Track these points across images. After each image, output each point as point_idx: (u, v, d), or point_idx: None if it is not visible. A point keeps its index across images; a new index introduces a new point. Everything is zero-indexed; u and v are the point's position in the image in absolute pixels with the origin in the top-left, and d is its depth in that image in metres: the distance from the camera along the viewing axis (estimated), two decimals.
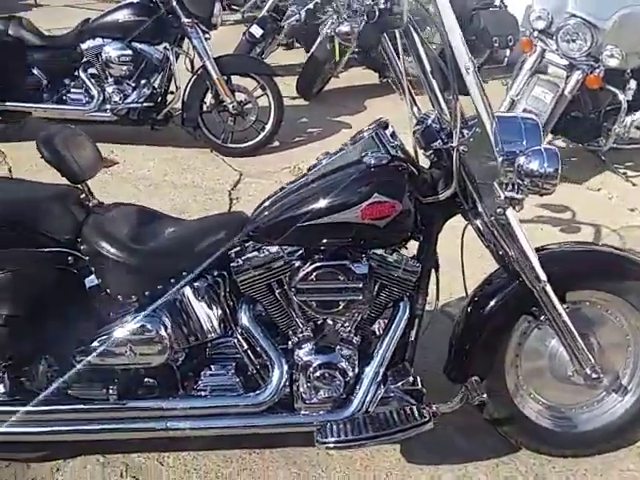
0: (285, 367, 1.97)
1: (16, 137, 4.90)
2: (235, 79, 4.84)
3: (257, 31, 6.28)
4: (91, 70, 4.73)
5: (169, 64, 4.74)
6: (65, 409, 1.96)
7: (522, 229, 1.95)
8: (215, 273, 1.98)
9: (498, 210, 1.86)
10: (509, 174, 1.81)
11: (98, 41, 4.69)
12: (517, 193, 1.84)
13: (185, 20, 4.58)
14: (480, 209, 1.89)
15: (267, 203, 1.98)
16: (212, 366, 2.02)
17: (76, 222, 1.96)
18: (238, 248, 1.97)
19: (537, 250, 2.00)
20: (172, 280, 1.92)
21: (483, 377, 2.07)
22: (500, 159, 1.78)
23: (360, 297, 1.90)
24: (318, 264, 1.90)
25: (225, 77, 4.69)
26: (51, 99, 4.75)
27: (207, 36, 4.75)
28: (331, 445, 1.92)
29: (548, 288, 1.96)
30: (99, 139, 4.74)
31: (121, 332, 1.90)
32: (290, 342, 2.00)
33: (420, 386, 2.02)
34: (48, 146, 2.05)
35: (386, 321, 2.02)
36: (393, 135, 1.97)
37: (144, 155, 4.84)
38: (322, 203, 1.86)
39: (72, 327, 1.92)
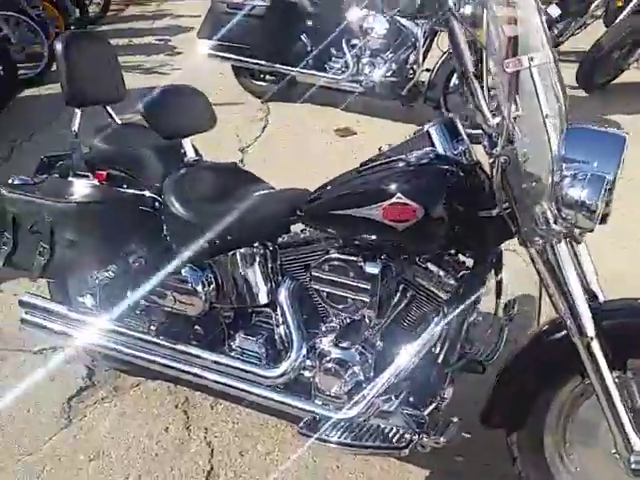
0: (303, 350, 1.95)
1: (285, 97, 5.43)
2: None
3: (554, 11, 5.87)
4: (353, 41, 4.96)
5: (426, 41, 4.74)
6: (106, 327, 2.22)
7: (576, 268, 1.64)
8: (268, 245, 2.04)
9: (537, 241, 1.59)
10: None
11: (363, 12, 4.88)
12: (555, 224, 1.55)
13: None
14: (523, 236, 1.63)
15: (322, 187, 1.96)
16: (247, 331, 2.09)
17: (165, 173, 2.17)
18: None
19: (593, 299, 1.67)
20: (227, 243, 2.03)
21: (513, 430, 1.82)
22: (551, 180, 1.52)
23: (367, 299, 1.79)
24: (333, 255, 1.84)
25: None
26: (314, 65, 5.11)
27: None
28: (308, 438, 1.88)
29: (595, 345, 1.62)
30: (350, 108, 5.17)
31: (170, 278, 2.09)
32: (318, 328, 1.99)
33: (426, 413, 1.84)
34: (147, 103, 2.25)
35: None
36: (456, 134, 1.79)
37: (383, 129, 4.95)
38: (354, 195, 1.79)
39: (137, 263, 2.16)
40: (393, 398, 1.86)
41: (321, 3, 5.15)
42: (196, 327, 2.14)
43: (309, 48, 5.09)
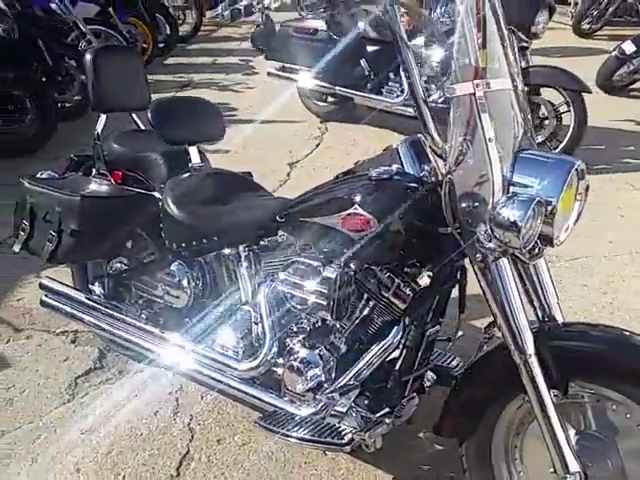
0: (274, 348, 2.04)
1: (344, 118, 5.59)
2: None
3: (629, 47, 5.79)
4: None
5: None
6: (106, 311, 2.41)
7: (529, 286, 1.68)
8: (252, 248, 2.16)
9: (478, 258, 1.64)
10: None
11: (423, 39, 4.97)
12: (490, 242, 1.60)
13: None
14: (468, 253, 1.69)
15: (301, 195, 2.07)
16: (228, 326, 2.21)
17: (169, 177, 2.34)
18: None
19: (551, 321, 1.74)
20: (214, 244, 2.17)
21: (463, 441, 1.85)
22: (491, 203, 1.57)
23: (324, 302, 1.88)
24: (298, 259, 1.94)
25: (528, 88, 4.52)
26: (371, 89, 5.24)
27: (524, 44, 4.63)
28: (263, 428, 1.98)
29: (533, 364, 1.64)
30: (405, 132, 5.25)
31: (162, 272, 2.25)
32: (291, 328, 2.08)
33: (375, 416, 1.90)
34: (154, 108, 2.41)
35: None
36: (421, 153, 1.86)
37: None
38: (321, 204, 1.88)
39: (137, 256, 2.35)
40: (349, 400, 1.92)
41: (382, 30, 5.28)
42: (182, 318, 2.29)
43: (367, 72, 5.23)
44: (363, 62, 5.25)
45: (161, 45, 8.09)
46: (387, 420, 1.90)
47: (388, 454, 2.16)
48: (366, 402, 1.94)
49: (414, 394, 2.02)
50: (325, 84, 5.36)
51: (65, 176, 2.49)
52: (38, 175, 2.51)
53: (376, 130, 5.48)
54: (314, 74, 5.35)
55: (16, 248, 2.39)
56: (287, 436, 1.92)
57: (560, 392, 1.67)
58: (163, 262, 2.26)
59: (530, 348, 1.63)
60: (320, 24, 5.31)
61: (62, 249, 2.28)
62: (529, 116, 1.81)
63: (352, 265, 1.87)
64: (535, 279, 1.83)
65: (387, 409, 1.92)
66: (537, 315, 1.84)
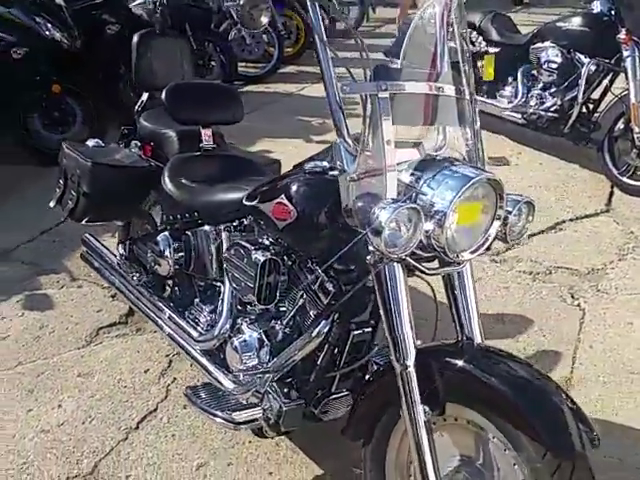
0: (227, 325, 2.16)
1: None
2: None
3: None
4: (528, 72, 4.84)
5: (599, 78, 4.47)
6: (121, 275, 2.67)
7: (404, 292, 1.63)
8: (229, 227, 2.27)
9: (369, 261, 1.63)
10: None
11: (545, 44, 4.74)
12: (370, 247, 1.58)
13: (622, 35, 4.20)
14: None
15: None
16: (201, 298, 2.35)
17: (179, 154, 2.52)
18: None
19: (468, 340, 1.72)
20: (196, 220, 2.31)
21: (363, 446, 1.85)
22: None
23: (251, 284, 1.94)
24: (238, 241, 2.02)
25: None
26: (487, 92, 5.07)
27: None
28: (186, 396, 2.09)
29: (410, 376, 1.60)
30: (516, 138, 5.04)
31: (152, 240, 2.43)
32: (246, 308, 2.18)
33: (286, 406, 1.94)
34: (169, 88, 2.55)
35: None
36: None
37: (541, 165, 4.77)
38: (266, 191, 1.95)
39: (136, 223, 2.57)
40: (266, 383, 1.98)
41: (505, 32, 5.09)
42: (165, 285, 2.48)
43: (481, 74, 5.07)
44: (479, 64, 5.08)
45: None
46: (297, 411, 1.94)
47: (329, 449, 2.19)
48: (285, 390, 1.99)
49: (346, 393, 2.03)
50: None
51: (104, 145, 2.77)
52: (88, 142, 2.81)
53: (489, 136, 5.28)
54: None
55: (51, 204, 2.70)
56: (194, 404, 2.03)
57: (435, 411, 1.62)
58: (156, 232, 2.45)
59: (410, 359, 1.60)
60: None
61: (78, 208, 2.56)
62: (475, 126, 1.77)
63: (278, 252, 1.93)
64: (458, 295, 1.78)
65: (301, 400, 1.96)
66: (456, 331, 1.80)
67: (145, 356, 2.73)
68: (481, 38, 2.85)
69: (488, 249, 1.81)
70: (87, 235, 2.95)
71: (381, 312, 1.65)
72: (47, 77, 4.59)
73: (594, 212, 4.09)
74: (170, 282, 2.49)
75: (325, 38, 1.63)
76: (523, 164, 4.81)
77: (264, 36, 7.07)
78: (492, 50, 5.08)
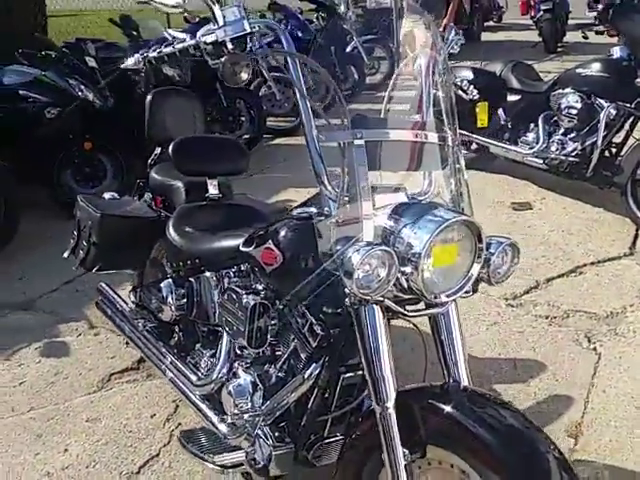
0: (224, 369, 2.19)
1: (482, 165, 5.49)
2: None
3: None
4: (549, 118, 4.86)
5: (619, 122, 4.45)
6: (130, 323, 2.73)
7: (384, 334, 1.63)
8: (229, 273, 2.33)
9: (346, 302, 1.65)
10: None
11: (565, 91, 4.75)
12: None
13: None
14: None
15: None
16: (203, 344, 2.39)
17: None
18: None
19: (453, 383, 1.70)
20: (197, 266, 2.37)
21: None
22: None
23: (242, 329, 1.97)
24: (230, 286, 2.06)
25: None
26: (508, 138, 5.09)
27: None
28: (179, 440, 2.10)
29: (390, 415, 1.60)
30: (540, 183, 5.02)
31: (154, 288, 2.49)
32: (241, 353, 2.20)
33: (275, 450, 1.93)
34: (176, 143, 2.64)
35: None
36: None
37: (564, 209, 4.73)
38: (257, 236, 2.00)
39: (149, 271, 2.64)
40: (256, 428, 1.99)
41: (526, 80, 5.12)
42: (171, 331, 2.53)
43: (504, 122, 5.10)
44: (501, 111, 5.12)
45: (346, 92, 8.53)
46: (287, 455, 1.94)
47: None
48: (276, 434, 1.99)
49: (340, 437, 2.02)
50: (464, 132, 5.31)
51: (119, 197, 2.89)
52: (104, 195, 2.93)
53: (513, 181, 5.29)
54: None
55: (65, 254, 2.81)
56: (184, 447, 2.04)
57: (416, 454, 1.61)
58: (160, 279, 2.52)
59: (390, 401, 1.61)
60: (465, 73, 5.28)
61: (89, 257, 2.65)
62: (459, 171, 1.81)
63: (269, 297, 1.96)
64: (444, 337, 1.78)
65: (291, 445, 1.96)
66: (443, 374, 1.79)
67: (153, 401, 2.76)
68: (472, 87, 2.92)
69: (475, 291, 1.83)
70: (102, 284, 3.04)
71: (360, 354, 1.66)
72: (79, 135, 4.81)
73: (617, 255, 4.02)
74: (175, 328, 2.54)
75: (305, 91, 1.70)
76: (547, 208, 4.77)
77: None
78: (511, 98, 5.12)
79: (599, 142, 4.39)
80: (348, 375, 1.95)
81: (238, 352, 2.17)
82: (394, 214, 1.64)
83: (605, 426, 2.52)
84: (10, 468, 2.40)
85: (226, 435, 2.06)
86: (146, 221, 2.63)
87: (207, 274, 2.34)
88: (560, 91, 4.76)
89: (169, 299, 2.42)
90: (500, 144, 5.07)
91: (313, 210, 1.83)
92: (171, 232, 2.44)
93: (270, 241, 1.86)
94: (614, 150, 4.59)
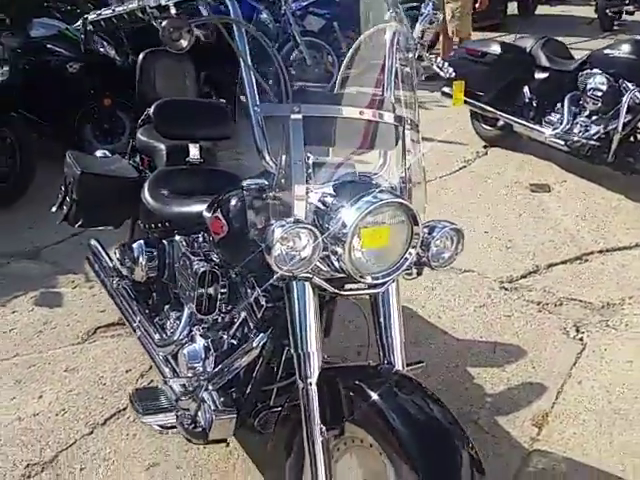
0: (185, 332, 2.21)
1: (509, 145, 5.37)
2: None
3: None
4: (575, 99, 4.70)
5: None
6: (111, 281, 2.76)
7: (312, 310, 1.63)
8: (197, 236, 2.33)
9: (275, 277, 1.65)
10: None
11: (593, 71, 4.58)
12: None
13: None
14: None
15: None
16: (172, 306, 2.42)
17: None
18: None
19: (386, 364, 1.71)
20: (168, 229, 2.39)
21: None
22: None
23: (191, 294, 2.00)
24: (185, 251, 2.09)
25: None
26: (533, 117, 4.95)
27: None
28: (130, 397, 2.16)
29: (312, 390, 1.61)
30: (563, 165, 4.89)
31: (131, 248, 2.53)
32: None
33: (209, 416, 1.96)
34: (157, 105, 2.63)
35: None
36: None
37: (585, 193, 4.61)
38: (213, 204, 2.00)
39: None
40: (209, 393, 2.02)
41: (555, 58, 4.95)
42: (141, 290, 2.57)
43: (529, 100, 4.95)
44: (526, 89, 4.97)
45: None
46: (227, 422, 1.96)
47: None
48: (222, 399, 2.02)
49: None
50: (489, 108, 5.19)
51: (110, 156, 2.93)
52: (96, 153, 2.98)
53: (536, 162, 5.15)
54: (482, 97, 5.21)
55: (53, 209, 2.87)
56: (136, 410, 2.09)
57: (333, 430, 1.62)
58: (133, 240, 2.56)
59: (313, 377, 1.62)
60: (494, 47, 5.14)
61: (71, 213, 2.71)
62: (411, 153, 1.78)
63: (221, 265, 1.98)
64: (382, 318, 1.77)
65: (234, 411, 1.98)
66: (378, 355, 1.79)
67: (131, 357, 2.83)
68: (447, 64, 2.79)
69: (419, 274, 1.81)
70: (93, 240, 3.09)
71: (289, 327, 1.67)
72: (100, 91, 4.87)
73: (627, 245, 3.90)
74: (147, 288, 2.58)
75: (249, 61, 1.67)
76: (565, 192, 4.65)
77: (329, 57, 7.19)
78: (538, 75, 4.96)
79: (619, 126, 4.23)
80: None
81: (199, 317, 2.21)
82: (329, 192, 1.63)
83: (573, 418, 2.48)
84: None
85: (175, 396, 2.09)
86: (126, 181, 2.65)
87: (177, 238, 2.36)
88: (588, 71, 4.60)
89: (140, 260, 2.45)
90: (523, 122, 4.94)
91: (264, 182, 1.83)
92: (145, 194, 2.46)
93: (219, 210, 1.87)
94: (639, 136, 4.42)
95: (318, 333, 1.65)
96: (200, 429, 1.98)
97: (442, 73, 2.16)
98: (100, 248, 3.05)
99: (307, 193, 1.60)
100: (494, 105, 5.13)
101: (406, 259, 1.65)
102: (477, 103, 5.21)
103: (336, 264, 1.59)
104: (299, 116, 1.60)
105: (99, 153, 2.96)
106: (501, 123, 5.35)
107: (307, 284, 1.63)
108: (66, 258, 3.70)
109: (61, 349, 2.90)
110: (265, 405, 2.02)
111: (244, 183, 1.84)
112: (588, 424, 2.45)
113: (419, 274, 1.81)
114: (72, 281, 3.46)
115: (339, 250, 1.56)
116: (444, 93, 5.59)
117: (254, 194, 1.78)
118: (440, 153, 5.33)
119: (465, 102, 5.31)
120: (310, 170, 1.64)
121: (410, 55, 2.04)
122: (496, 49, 5.06)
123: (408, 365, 2.04)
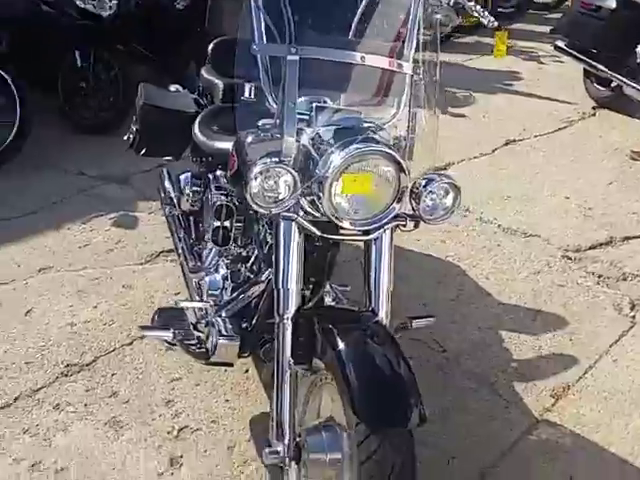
0: (213, 261, 2.36)
1: (620, 107, 5.04)
2: None
3: None
4: None
5: None
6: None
7: (295, 250, 1.69)
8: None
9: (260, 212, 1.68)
10: None
11: None
12: None
13: None
14: None
15: None
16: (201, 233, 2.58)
17: None
18: None
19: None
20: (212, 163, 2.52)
21: None
22: None
23: (208, 226, 2.13)
24: (210, 184, 2.22)
25: None
26: None
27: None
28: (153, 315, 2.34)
29: (286, 325, 1.69)
30: None
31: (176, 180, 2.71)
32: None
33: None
34: (213, 46, 2.71)
35: None
36: None
37: None
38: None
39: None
40: (219, 319, 2.16)
41: None
42: (187, 219, 2.74)
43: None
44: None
45: (509, 10, 8.04)
46: (230, 347, 2.09)
47: None
48: (229, 326, 2.15)
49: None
50: (600, 66, 4.87)
51: (180, 91, 3.08)
52: (170, 87, 3.15)
53: None
54: (594, 54, 4.90)
55: (125, 137, 3.08)
56: (152, 320, 2.26)
57: (300, 365, 1.69)
58: (182, 171, 2.72)
59: (288, 313, 1.69)
60: (609, 1, 4.77)
61: (135, 142, 2.90)
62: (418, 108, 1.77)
63: (234, 199, 2.08)
64: (372, 266, 1.80)
65: (237, 339, 2.10)
66: (364, 302, 1.83)
67: (181, 282, 3.01)
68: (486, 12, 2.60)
69: (415, 226, 1.80)
70: (162, 169, 3.29)
71: (273, 263, 1.75)
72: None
73: None
74: (192, 217, 2.74)
75: (260, 2, 1.71)
76: None
77: None
78: None
79: None
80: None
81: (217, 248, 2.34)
82: (320, 135, 1.65)
83: (595, 395, 2.41)
84: (44, 313, 2.80)
85: (195, 318, 2.25)
86: (184, 115, 2.79)
87: (218, 172, 2.49)
88: None
89: (186, 190, 2.62)
90: (635, 85, 4.60)
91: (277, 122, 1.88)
92: (195, 128, 2.59)
93: (235, 147, 1.96)
94: None
95: (300, 272, 1.71)
96: (204, 350, 2.12)
97: (484, 21, 2.09)
98: (167, 177, 3.25)
99: (297, 134, 1.64)
100: (607, 64, 4.81)
101: (391, 210, 1.66)
102: (588, 60, 4.90)
103: (320, 207, 1.64)
104: (295, 57, 1.61)
105: (172, 88, 3.11)
106: (615, 84, 5.02)
107: (293, 224, 1.68)
108: (149, 186, 3.90)
109: (124, 267, 3.16)
110: (270, 338, 2.12)
111: (259, 122, 1.91)
112: (608, 403, 2.37)
113: (416, 227, 1.81)
114: (149, 207, 3.70)
115: (320, 194, 1.60)
116: (557, 47, 5.31)
117: (264, 133, 1.85)
118: (543, 111, 5.11)
119: (576, 58, 5.04)
120: (312, 113, 1.68)
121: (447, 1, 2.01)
122: (611, 3, 4.71)
123: (415, 318, 2.08)
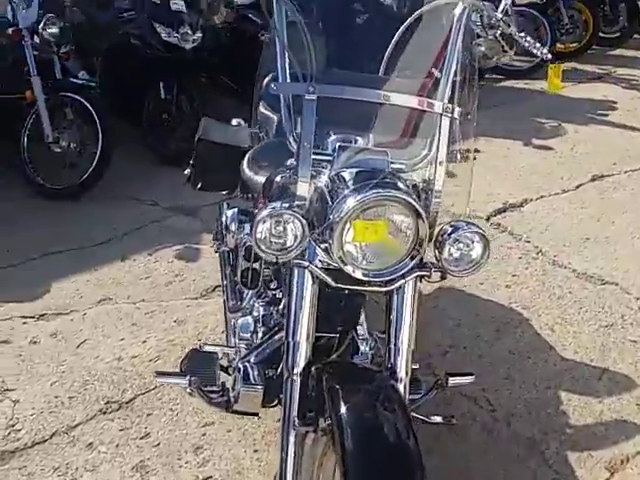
0: (251, 302, 2.30)
1: None
2: None
3: None
4: None
5: None
6: None
7: (308, 300, 1.60)
8: None
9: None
10: None
11: None
12: None
13: None
14: None
15: None
16: None
17: None
18: None
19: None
20: None
21: None
22: None
23: (238, 267, 2.09)
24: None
25: None
26: None
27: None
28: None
29: (294, 381, 1.61)
30: None
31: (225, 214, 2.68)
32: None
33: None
34: None
35: None
36: None
37: None
38: None
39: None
40: (245, 365, 2.10)
41: None
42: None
43: None
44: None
45: (614, 35, 7.61)
46: (253, 397, 2.03)
47: None
48: (255, 373, 2.08)
49: None
50: None
51: (243, 125, 3.09)
52: (232, 121, 3.17)
53: None
54: None
55: (184, 171, 3.11)
56: (182, 363, 2.23)
57: (308, 426, 1.61)
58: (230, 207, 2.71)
59: (297, 368, 1.61)
60: None
61: (192, 177, 2.94)
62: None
63: None
64: (393, 321, 1.69)
65: (261, 388, 2.04)
66: (384, 359, 1.72)
67: None
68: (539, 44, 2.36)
69: (443, 278, 1.67)
70: (223, 203, 3.30)
71: (285, 313, 1.68)
72: None
73: None
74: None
75: (286, 40, 1.65)
76: None
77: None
78: None
79: None
80: (320, 334, 1.96)
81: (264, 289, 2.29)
82: (336, 179, 1.57)
83: None
84: (96, 345, 2.86)
85: (225, 362, 2.21)
86: (238, 150, 2.79)
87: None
88: None
89: (231, 227, 2.60)
90: None
91: None
92: (243, 163, 2.58)
93: (264, 185, 1.92)
94: None
95: (311, 324, 1.63)
96: (226, 398, 2.07)
97: (537, 53, 1.95)
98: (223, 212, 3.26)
99: (317, 176, 1.58)
100: None
101: (410, 260, 1.55)
102: None
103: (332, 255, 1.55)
104: (313, 97, 1.53)
105: (234, 122, 3.13)
106: None
107: (306, 272, 1.61)
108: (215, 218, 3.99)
109: (180, 301, 3.18)
110: None
111: (288, 162, 1.85)
112: None
113: (443, 278, 1.68)
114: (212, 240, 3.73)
115: (330, 241, 1.51)
116: None
117: (290, 174, 1.80)
118: (637, 145, 4.79)
119: None
120: (335, 154, 1.60)
121: (492, 33, 1.89)
122: None
123: (455, 375, 1.93)
